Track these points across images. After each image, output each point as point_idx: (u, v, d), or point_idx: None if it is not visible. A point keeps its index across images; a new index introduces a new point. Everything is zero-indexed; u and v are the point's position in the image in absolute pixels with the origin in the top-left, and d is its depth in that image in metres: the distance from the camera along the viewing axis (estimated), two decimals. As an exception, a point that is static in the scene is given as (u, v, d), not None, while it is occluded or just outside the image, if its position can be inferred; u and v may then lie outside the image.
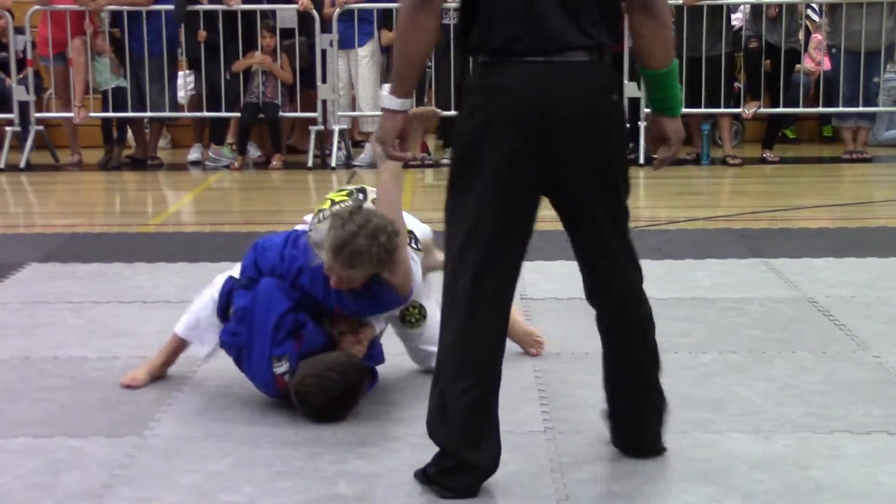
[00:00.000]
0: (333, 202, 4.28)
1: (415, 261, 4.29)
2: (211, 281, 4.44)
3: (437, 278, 3.96)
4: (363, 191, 4.39)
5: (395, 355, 4.56)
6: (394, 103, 3.37)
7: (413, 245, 4.34)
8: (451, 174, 3.40)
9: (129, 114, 10.77)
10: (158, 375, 4.47)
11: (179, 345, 4.46)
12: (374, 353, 4.29)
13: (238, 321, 4.15)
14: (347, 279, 4.03)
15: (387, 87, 3.40)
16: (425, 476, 3.49)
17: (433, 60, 10.62)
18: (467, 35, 3.36)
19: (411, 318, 4.41)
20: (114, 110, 10.67)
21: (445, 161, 10.63)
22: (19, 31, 10.78)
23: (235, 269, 4.32)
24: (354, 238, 3.92)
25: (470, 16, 3.34)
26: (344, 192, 4.37)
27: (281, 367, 4.07)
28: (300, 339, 4.11)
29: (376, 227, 3.95)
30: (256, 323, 4.10)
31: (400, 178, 4.29)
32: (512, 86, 3.27)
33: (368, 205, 4.26)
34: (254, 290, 4.14)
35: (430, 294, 4.47)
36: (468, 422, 3.40)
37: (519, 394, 4.31)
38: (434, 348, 3.74)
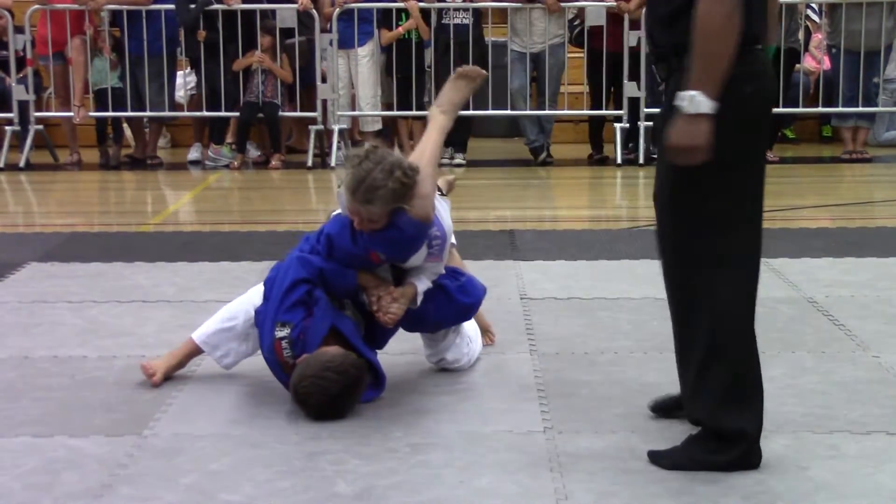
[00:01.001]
0: None
1: (443, 205, 4.36)
2: (245, 291, 4.48)
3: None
4: None
5: (395, 355, 4.56)
6: (712, 106, 3.30)
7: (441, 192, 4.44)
8: (728, 154, 3.37)
9: (129, 113, 10.77)
10: (170, 376, 4.48)
11: (195, 350, 4.47)
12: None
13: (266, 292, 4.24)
14: (368, 217, 4.06)
15: (690, 94, 3.28)
16: (693, 462, 3.55)
17: (433, 59, 10.62)
18: (675, 25, 3.44)
19: None
20: (108, 109, 10.66)
21: (445, 160, 10.64)
22: (19, 30, 10.78)
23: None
24: (370, 174, 4.01)
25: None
26: None
27: (282, 332, 4.09)
28: (311, 315, 4.12)
29: (392, 164, 4.05)
30: (274, 291, 4.17)
31: (442, 141, 4.42)
32: (770, 72, 3.54)
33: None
34: (279, 264, 4.23)
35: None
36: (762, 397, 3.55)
37: (518, 393, 4.31)
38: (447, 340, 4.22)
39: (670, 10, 3.44)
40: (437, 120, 4.47)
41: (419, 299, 4.27)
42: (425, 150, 4.34)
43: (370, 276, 4.24)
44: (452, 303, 4.38)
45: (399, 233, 4.12)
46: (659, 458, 3.63)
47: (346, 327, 4.17)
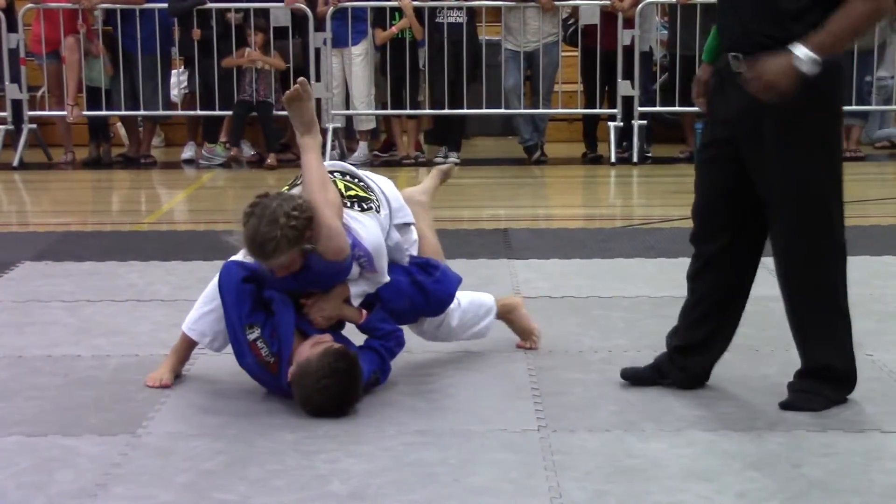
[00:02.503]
0: None
1: (358, 221, 4.22)
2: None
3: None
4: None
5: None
6: (815, 71, 3.71)
7: (361, 206, 4.29)
8: (832, 142, 3.93)
9: (122, 112, 10.76)
10: (179, 372, 4.49)
11: (190, 341, 4.48)
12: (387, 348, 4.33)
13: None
14: (279, 267, 4.06)
15: (808, 52, 3.67)
16: (828, 401, 4.07)
17: (426, 59, 10.62)
18: (803, 19, 3.77)
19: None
20: (97, 108, 10.65)
21: (439, 159, 10.63)
22: (12, 29, 10.75)
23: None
24: (258, 231, 4.00)
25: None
26: (289, 183, 4.43)
27: (253, 334, 4.13)
28: (272, 313, 4.16)
29: (275, 211, 4.01)
30: (225, 303, 4.19)
31: (320, 161, 4.29)
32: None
33: (297, 190, 4.27)
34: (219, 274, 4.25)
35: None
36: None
37: (512, 392, 4.31)
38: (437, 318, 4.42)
39: (799, 6, 3.76)
40: (304, 143, 4.26)
41: (354, 301, 4.28)
42: (310, 181, 4.17)
43: None
44: (428, 297, 4.41)
45: (316, 275, 4.13)
46: (803, 405, 4.06)
47: (304, 325, 4.20)
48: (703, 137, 4.20)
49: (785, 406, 4.08)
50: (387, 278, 4.34)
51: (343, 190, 4.30)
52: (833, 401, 4.09)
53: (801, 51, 3.69)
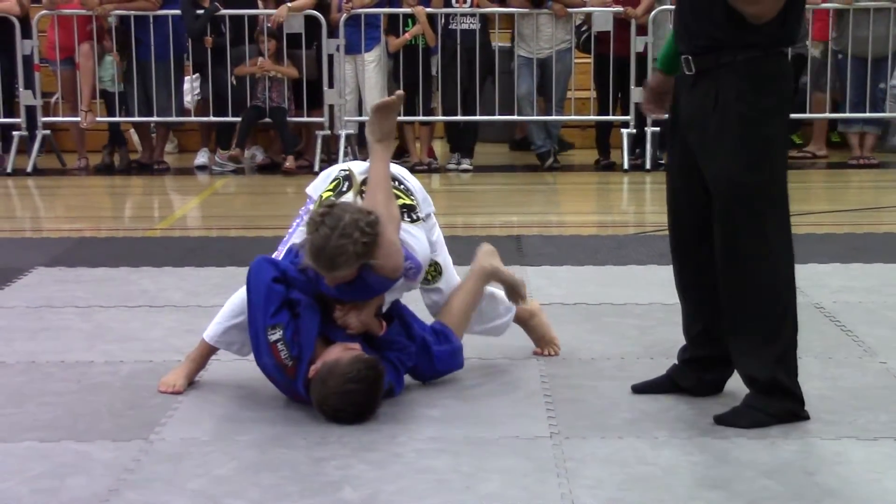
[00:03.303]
0: (321, 199, 4.33)
1: (412, 234, 4.28)
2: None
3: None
4: (348, 177, 4.41)
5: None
6: None
7: (410, 217, 4.34)
8: (778, 139, 3.95)
9: (136, 118, 10.79)
10: (192, 380, 4.49)
11: (209, 350, 4.48)
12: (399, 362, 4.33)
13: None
14: (334, 280, 4.06)
15: None
16: (769, 418, 3.96)
17: (440, 65, 10.63)
18: (783, 27, 3.85)
19: (428, 275, 4.46)
20: (114, 113, 10.68)
21: (452, 166, 10.64)
22: (27, 35, 10.79)
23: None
24: (329, 241, 3.95)
25: (787, 10, 3.82)
26: (331, 186, 4.41)
27: (275, 335, 4.09)
28: (297, 316, 4.13)
29: (348, 225, 3.97)
30: (252, 301, 4.16)
31: (388, 171, 4.34)
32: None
33: (348, 197, 4.30)
34: (249, 270, 4.22)
35: (443, 245, 4.55)
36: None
37: (525, 399, 4.31)
38: (445, 293, 4.40)
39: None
40: (376, 151, 4.33)
41: (388, 301, 4.32)
42: (376, 192, 4.23)
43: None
44: (432, 365, 4.41)
45: (364, 286, 4.12)
46: (732, 422, 3.95)
47: (331, 332, 4.19)
48: (666, 146, 4.24)
49: (717, 419, 4.00)
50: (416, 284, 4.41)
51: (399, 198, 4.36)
52: (772, 415, 3.95)
53: None
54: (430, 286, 4.52)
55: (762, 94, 3.88)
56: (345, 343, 4.16)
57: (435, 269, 4.49)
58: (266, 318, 4.10)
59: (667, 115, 4.23)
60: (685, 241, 4.17)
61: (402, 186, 4.42)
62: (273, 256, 4.33)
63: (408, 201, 4.38)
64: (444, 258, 4.55)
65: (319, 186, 4.47)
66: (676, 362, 4.33)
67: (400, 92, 4.46)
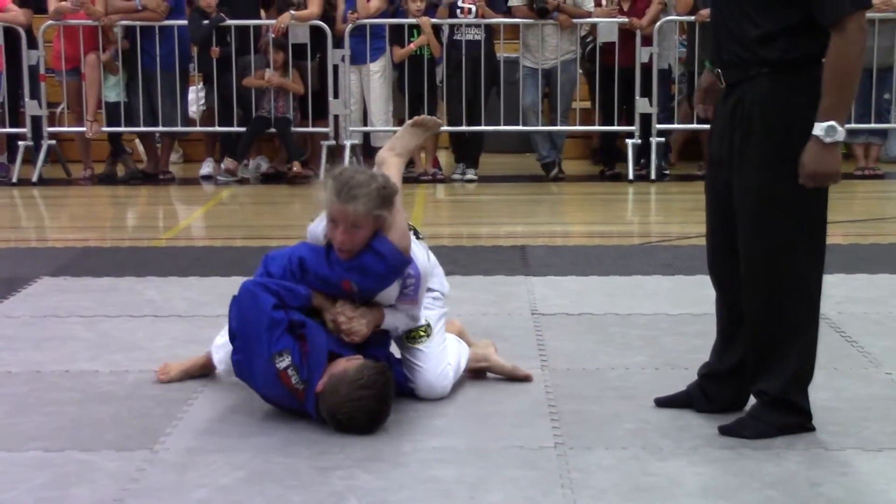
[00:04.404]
0: None
1: (415, 242, 4.33)
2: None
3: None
4: None
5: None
6: (844, 134, 3.75)
7: (416, 235, 4.43)
8: (792, 160, 3.81)
9: (141, 128, 10.80)
10: (192, 376, 4.59)
11: (212, 365, 4.55)
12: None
13: (234, 340, 4.17)
14: (353, 220, 4.05)
15: (827, 124, 3.71)
16: (774, 430, 3.95)
17: (444, 76, 10.64)
18: (808, 43, 3.82)
19: (416, 333, 4.41)
20: (115, 124, 10.69)
21: (457, 176, 10.64)
22: (32, 45, 10.81)
23: None
24: (353, 177, 4.12)
25: (812, 31, 3.79)
26: None
27: (283, 362, 4.05)
28: (303, 339, 4.10)
29: (372, 172, 4.19)
30: (247, 328, 4.10)
31: (402, 171, 4.51)
32: None
33: None
34: (237, 297, 4.17)
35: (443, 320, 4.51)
36: None
37: (529, 409, 4.30)
38: (431, 376, 4.28)
39: (763, 32, 3.82)
40: (392, 163, 4.49)
41: (387, 325, 4.27)
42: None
43: (323, 297, 4.21)
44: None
45: (376, 259, 4.12)
46: (737, 431, 3.96)
47: (337, 347, 4.16)
48: (707, 152, 4.26)
49: (722, 430, 4.01)
50: (421, 319, 4.36)
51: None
52: (777, 427, 3.95)
53: (819, 129, 3.73)
54: (414, 344, 4.40)
55: (786, 109, 3.86)
56: (348, 356, 4.15)
57: (425, 331, 4.41)
58: (270, 346, 4.06)
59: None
60: (716, 259, 4.16)
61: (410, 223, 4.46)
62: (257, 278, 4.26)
63: (415, 227, 4.45)
64: (438, 327, 4.45)
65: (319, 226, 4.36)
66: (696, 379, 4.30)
67: (439, 120, 4.53)
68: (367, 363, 4.08)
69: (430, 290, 4.46)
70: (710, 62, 4.26)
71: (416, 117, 4.68)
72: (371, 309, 4.23)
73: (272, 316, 4.07)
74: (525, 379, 4.61)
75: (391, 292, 4.22)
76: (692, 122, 10.47)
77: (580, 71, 10.82)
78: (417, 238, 4.42)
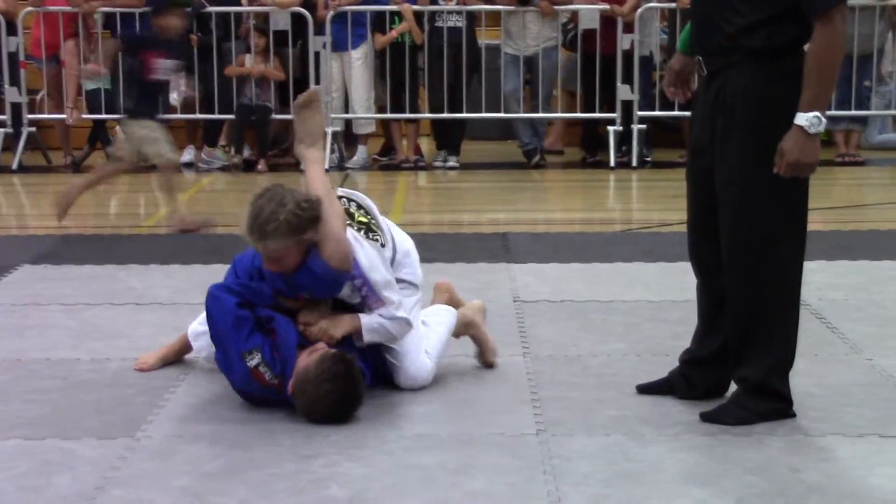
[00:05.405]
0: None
1: (362, 245, 4.17)
2: None
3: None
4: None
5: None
6: (822, 120, 3.77)
7: (367, 235, 4.25)
8: (774, 148, 3.79)
9: (121, 116, 10.73)
10: (169, 362, 4.60)
11: (188, 344, 4.54)
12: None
13: (213, 342, 4.21)
14: (270, 255, 4.02)
15: (810, 115, 3.72)
16: (755, 416, 3.96)
17: (426, 63, 10.63)
18: (790, 30, 3.83)
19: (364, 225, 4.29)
20: (95, 112, 10.65)
21: (438, 163, 10.64)
22: (12, 32, 10.75)
23: None
24: (262, 210, 4.00)
25: (794, 19, 3.80)
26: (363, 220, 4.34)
27: (253, 360, 4.07)
28: (272, 333, 4.11)
29: (284, 196, 4.02)
30: (217, 329, 4.14)
31: (324, 174, 4.34)
32: None
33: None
34: (206, 302, 4.18)
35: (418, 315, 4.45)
36: None
37: (511, 396, 4.31)
38: (411, 369, 4.24)
39: (746, 22, 3.82)
40: (309, 156, 4.32)
41: (367, 336, 4.21)
42: (316, 191, 4.17)
43: (293, 300, 4.20)
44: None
45: (312, 278, 4.08)
46: (718, 418, 3.98)
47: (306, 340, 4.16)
48: (689, 140, 4.24)
49: (703, 416, 4.02)
50: (397, 313, 4.21)
51: (354, 214, 4.30)
52: (758, 413, 3.96)
53: (803, 120, 3.74)
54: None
55: (768, 96, 3.86)
56: (309, 347, 4.13)
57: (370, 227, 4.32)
58: (238, 344, 4.07)
59: (689, 97, 4.27)
60: (698, 246, 4.16)
61: (372, 219, 4.34)
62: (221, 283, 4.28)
63: (371, 225, 4.30)
64: (413, 314, 4.34)
65: None
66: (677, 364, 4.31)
67: (316, 87, 4.36)
68: (326, 354, 4.04)
69: (400, 280, 4.34)
70: (681, 43, 4.27)
71: (294, 102, 4.46)
72: (344, 315, 4.20)
73: (237, 314, 4.09)
74: (488, 365, 4.62)
75: (346, 291, 4.19)
76: (673, 109, 10.48)
77: (561, 58, 10.82)
78: (369, 235, 4.25)
